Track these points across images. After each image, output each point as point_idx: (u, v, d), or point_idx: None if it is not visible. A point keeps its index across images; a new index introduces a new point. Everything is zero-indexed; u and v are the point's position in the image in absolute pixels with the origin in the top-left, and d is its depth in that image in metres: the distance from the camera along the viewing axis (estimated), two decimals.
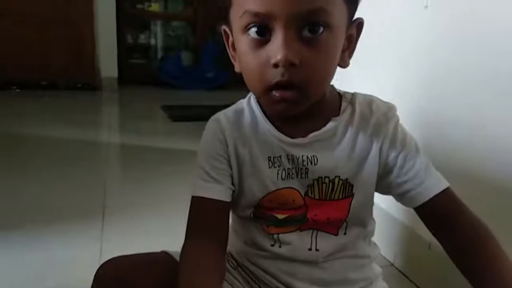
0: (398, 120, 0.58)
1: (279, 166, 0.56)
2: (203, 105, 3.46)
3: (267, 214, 0.59)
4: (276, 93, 0.49)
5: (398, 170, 0.56)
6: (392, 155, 0.56)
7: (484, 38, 0.87)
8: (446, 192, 0.55)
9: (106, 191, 1.62)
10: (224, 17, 0.55)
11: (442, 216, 0.55)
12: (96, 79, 3.96)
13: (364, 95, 0.59)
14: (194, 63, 4.58)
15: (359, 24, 0.55)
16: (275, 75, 0.48)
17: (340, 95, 0.60)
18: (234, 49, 0.56)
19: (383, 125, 0.57)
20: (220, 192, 0.57)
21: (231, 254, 0.65)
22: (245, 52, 0.51)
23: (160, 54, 4.69)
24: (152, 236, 1.26)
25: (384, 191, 0.60)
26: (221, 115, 0.60)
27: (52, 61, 3.76)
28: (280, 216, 0.58)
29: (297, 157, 0.56)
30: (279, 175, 0.57)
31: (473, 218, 0.54)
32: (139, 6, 4.46)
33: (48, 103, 3.38)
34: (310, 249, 0.59)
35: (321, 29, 0.48)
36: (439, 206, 0.55)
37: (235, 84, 4.24)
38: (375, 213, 0.64)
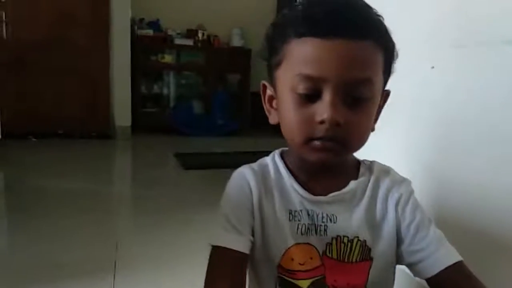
0: (412, 191, 0.61)
1: (299, 221, 0.58)
2: (214, 152, 3.50)
3: (291, 283, 0.59)
4: (317, 143, 0.54)
5: (410, 239, 0.58)
6: (406, 222, 0.58)
7: (488, 95, 0.89)
8: (458, 265, 0.56)
9: (118, 243, 1.63)
10: (268, 73, 0.60)
11: None
12: (110, 128, 4.05)
13: (382, 164, 0.62)
14: (205, 111, 4.68)
15: (387, 95, 0.61)
16: (320, 131, 0.53)
17: (358, 161, 0.64)
18: (270, 103, 0.61)
19: (397, 191, 0.60)
20: (239, 243, 0.57)
21: None
22: (290, 107, 0.55)
23: (172, 103, 4.80)
24: None
25: (397, 259, 0.61)
26: (246, 168, 0.63)
27: (68, 111, 3.87)
28: (304, 285, 0.58)
29: (317, 213, 0.58)
30: (299, 229, 0.58)
31: None
32: (152, 57, 4.63)
33: (63, 153, 3.44)
34: None
35: (365, 98, 0.53)
36: (451, 279, 0.55)
37: (244, 132, 4.36)
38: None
